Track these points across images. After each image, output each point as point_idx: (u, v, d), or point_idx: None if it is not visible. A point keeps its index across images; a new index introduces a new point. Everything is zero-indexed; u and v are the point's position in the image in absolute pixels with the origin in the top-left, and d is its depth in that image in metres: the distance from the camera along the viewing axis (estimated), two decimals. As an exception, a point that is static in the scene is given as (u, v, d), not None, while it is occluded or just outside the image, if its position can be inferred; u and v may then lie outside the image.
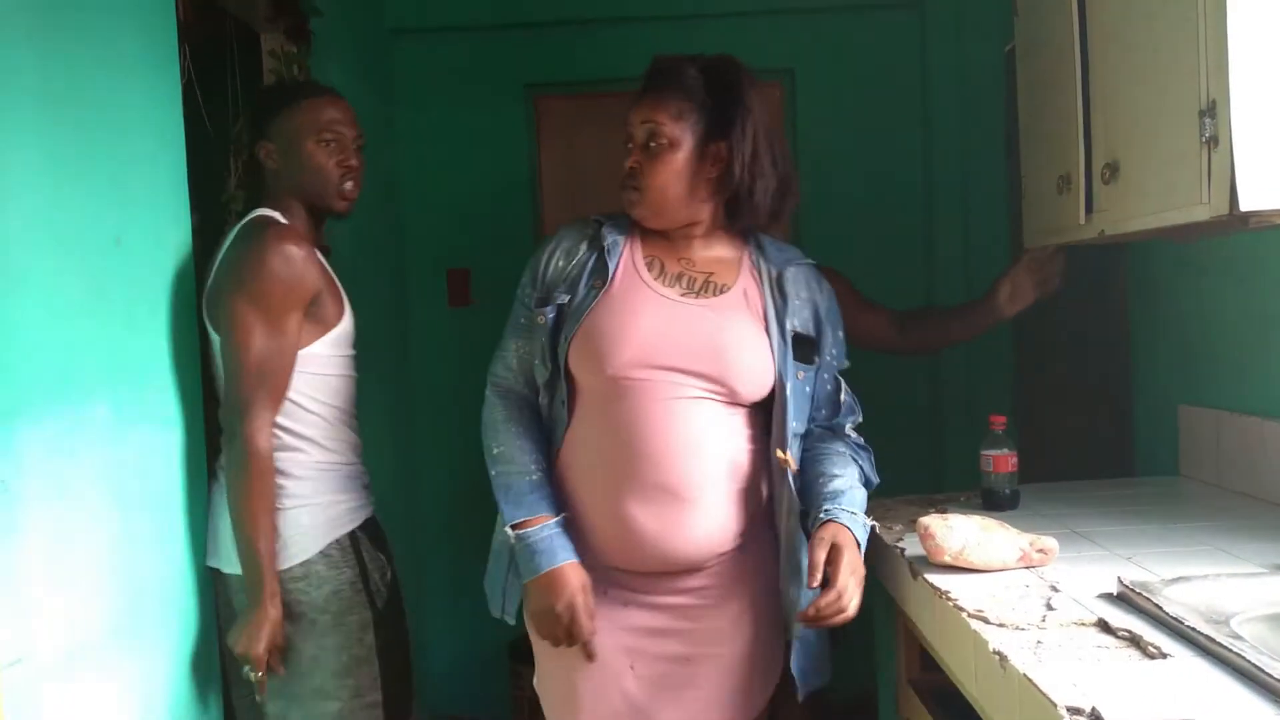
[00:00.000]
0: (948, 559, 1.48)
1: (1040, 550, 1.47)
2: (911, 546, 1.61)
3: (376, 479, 2.87)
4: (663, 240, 1.65)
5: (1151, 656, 1.12)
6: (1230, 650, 1.08)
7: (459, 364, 3.25)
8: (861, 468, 1.66)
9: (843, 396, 1.70)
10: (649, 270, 1.61)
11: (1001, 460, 1.84)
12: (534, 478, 1.60)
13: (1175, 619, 1.18)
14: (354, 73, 2.74)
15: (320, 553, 1.67)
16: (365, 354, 2.69)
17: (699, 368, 1.55)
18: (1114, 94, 1.70)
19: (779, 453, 1.58)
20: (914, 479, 2.85)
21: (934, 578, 1.46)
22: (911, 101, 3.17)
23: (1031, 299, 2.10)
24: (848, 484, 1.58)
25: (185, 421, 1.60)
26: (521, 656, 3.02)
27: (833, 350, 1.68)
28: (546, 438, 1.65)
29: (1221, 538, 1.59)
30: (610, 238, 1.63)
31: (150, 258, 1.53)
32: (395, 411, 3.02)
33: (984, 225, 3.04)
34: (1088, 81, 1.79)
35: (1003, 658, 1.15)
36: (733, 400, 1.58)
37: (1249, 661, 1.04)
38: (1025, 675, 1.09)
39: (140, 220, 1.50)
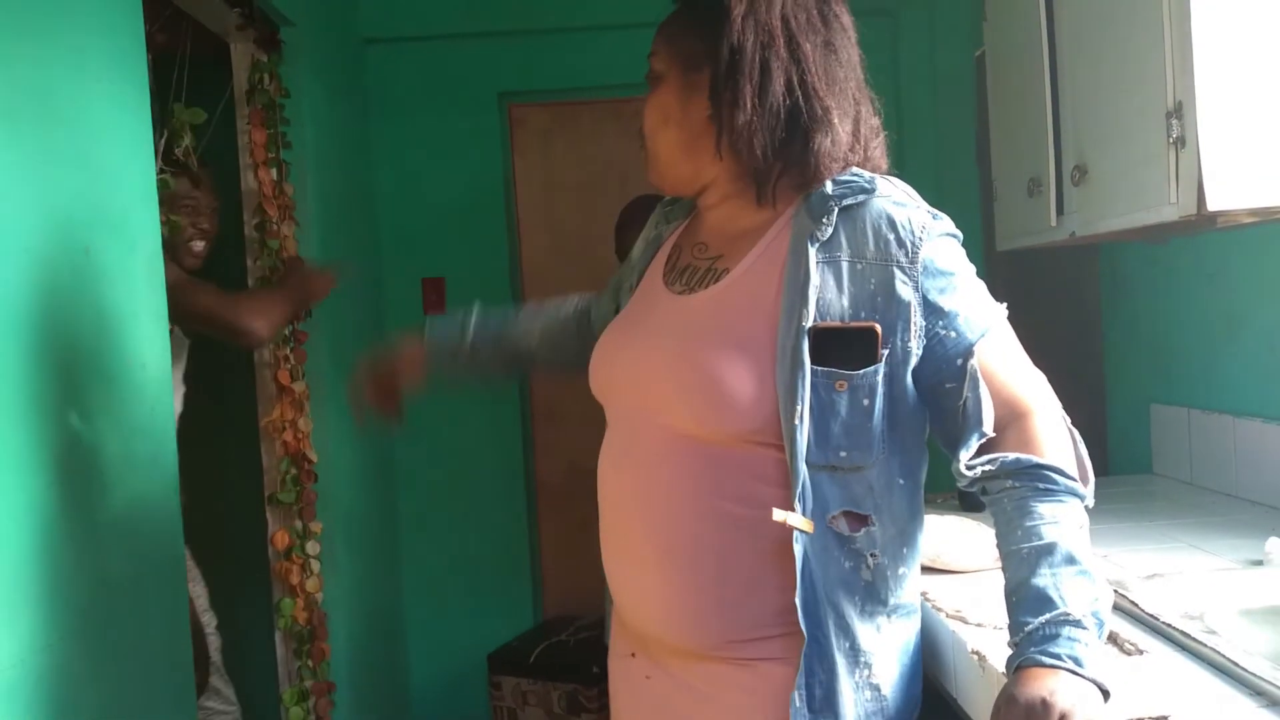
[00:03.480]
0: (925, 560, 1.48)
1: (1017, 550, 1.47)
2: (890, 548, 1.62)
3: (353, 490, 2.86)
4: (702, 220, 1.23)
5: (1129, 653, 1.13)
6: (1206, 646, 1.09)
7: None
8: (1058, 505, 1.03)
9: (966, 401, 1.06)
10: (667, 262, 1.23)
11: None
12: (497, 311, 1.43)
13: (1151, 615, 1.19)
14: (327, 82, 2.72)
15: None
16: (340, 362, 2.68)
17: (649, 393, 1.13)
18: (1082, 97, 1.72)
19: (777, 513, 1.04)
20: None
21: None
22: (884, 105, 3.18)
23: None
24: (1045, 569, 0.99)
25: (157, 430, 1.59)
26: (500, 667, 3.01)
27: (927, 330, 1.07)
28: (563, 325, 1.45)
29: (1195, 534, 1.61)
30: (658, 228, 1.29)
31: (120, 267, 1.51)
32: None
33: (957, 228, 3.06)
34: (1056, 85, 1.81)
35: (981, 657, 1.15)
36: (715, 438, 1.09)
37: (1225, 656, 1.05)
38: (1004, 675, 1.09)
39: (110, 230, 1.49)
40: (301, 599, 2.33)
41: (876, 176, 1.12)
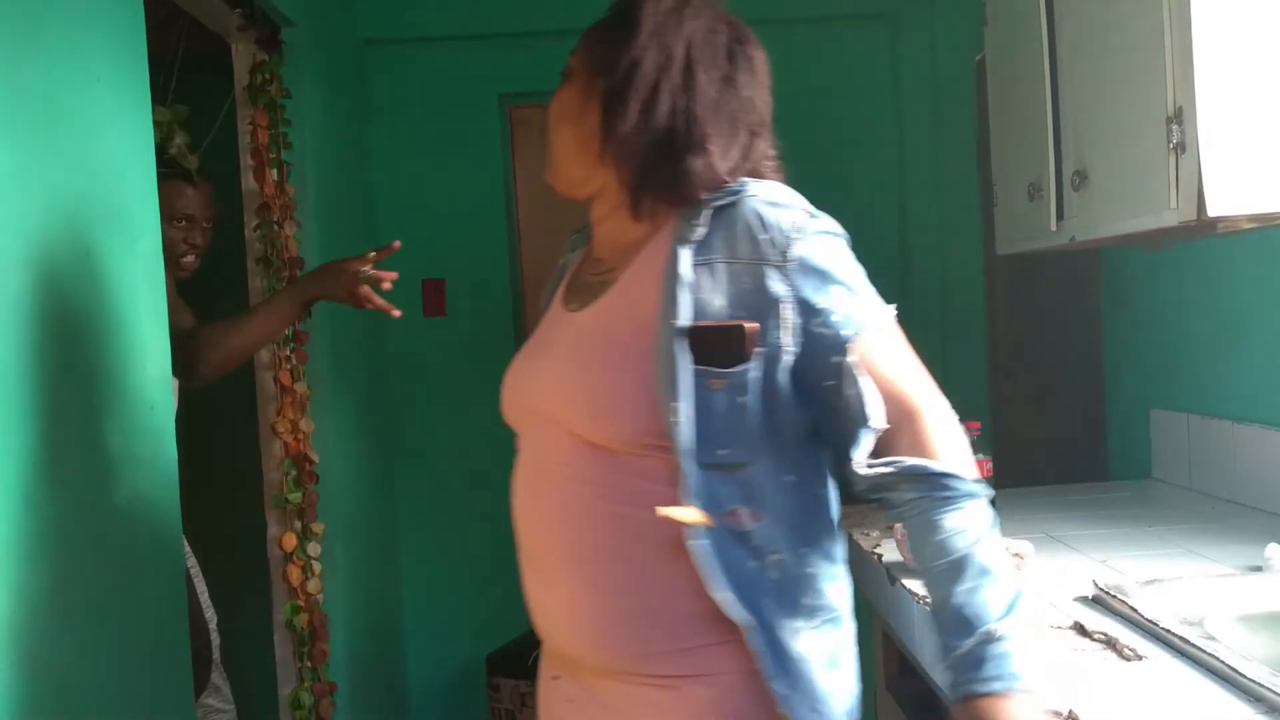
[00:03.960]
0: (925, 564, 1.48)
1: (1015, 554, 1.48)
2: (888, 552, 1.62)
3: (353, 491, 2.86)
4: (596, 236, 1.26)
5: (1127, 659, 1.13)
6: (1205, 651, 1.09)
7: (433, 374, 3.24)
8: (961, 513, 1.04)
9: (849, 398, 1.06)
10: (570, 284, 1.26)
11: (977, 465, 1.85)
12: None
13: (1150, 621, 1.19)
14: (327, 82, 2.72)
15: None
16: (340, 364, 2.68)
17: (549, 407, 1.15)
18: (1083, 102, 1.72)
19: (660, 510, 1.05)
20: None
21: (911, 583, 1.46)
22: (884, 110, 3.19)
23: None
24: (960, 586, 1.01)
25: (157, 430, 1.59)
26: (499, 669, 3.01)
27: (803, 328, 1.07)
28: None
29: (1194, 540, 1.61)
30: (566, 255, 1.33)
31: (120, 267, 1.51)
32: (371, 422, 3.00)
33: (957, 233, 3.07)
34: (1057, 90, 1.81)
35: (981, 662, 1.15)
36: (610, 444, 1.10)
37: (1223, 663, 1.05)
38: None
39: (110, 231, 1.49)
40: (302, 600, 2.33)
41: (750, 180, 1.13)
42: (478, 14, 3.14)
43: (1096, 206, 1.67)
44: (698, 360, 1.06)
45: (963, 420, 1.90)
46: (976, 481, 1.05)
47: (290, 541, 2.31)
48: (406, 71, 3.18)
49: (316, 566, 2.37)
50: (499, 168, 3.24)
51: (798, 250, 1.07)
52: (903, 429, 1.07)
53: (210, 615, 2.32)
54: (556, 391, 1.14)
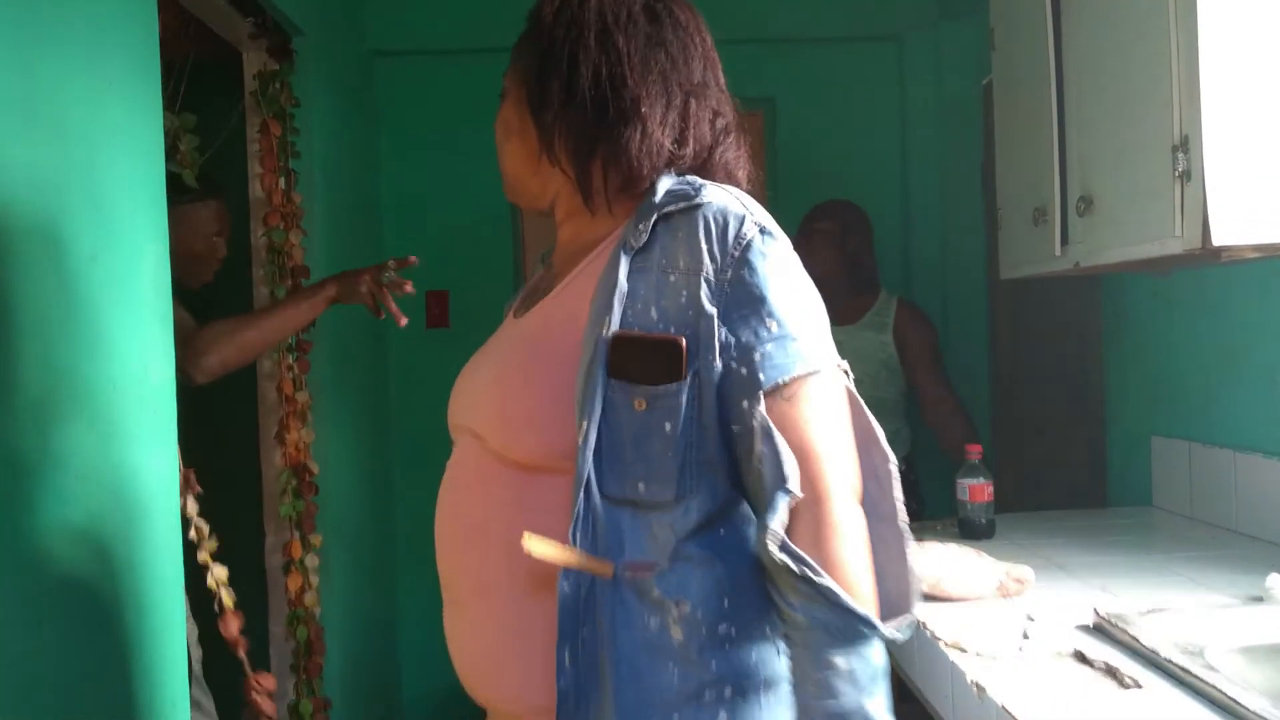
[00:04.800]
0: (924, 588, 1.48)
1: (1016, 580, 1.47)
2: (888, 575, 1.61)
3: (351, 500, 2.86)
4: (559, 242, 1.18)
5: (1127, 687, 1.12)
6: (1205, 682, 1.08)
7: (435, 386, 3.23)
8: (855, 656, 0.89)
9: (761, 457, 0.92)
10: (528, 292, 1.19)
11: (978, 490, 1.85)
12: None
13: (1151, 650, 1.18)
14: (336, 92, 2.73)
15: None
16: (341, 375, 2.68)
17: (469, 419, 1.07)
18: (1089, 128, 1.72)
19: (526, 540, 0.93)
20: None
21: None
22: (890, 132, 3.20)
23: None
24: None
25: (161, 438, 1.58)
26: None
27: (723, 355, 0.94)
28: None
29: (1195, 568, 1.60)
30: (539, 267, 1.25)
31: (127, 273, 1.51)
32: (371, 433, 2.99)
33: (961, 256, 3.07)
34: (1063, 115, 1.82)
35: (980, 688, 1.15)
36: (525, 460, 1.00)
37: (1224, 693, 1.05)
38: (1003, 706, 1.09)
39: (117, 235, 1.49)
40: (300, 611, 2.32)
41: (710, 185, 1.01)
42: (484, 27, 3.14)
43: (1101, 233, 1.68)
44: (622, 375, 0.94)
45: (965, 445, 1.91)
46: (873, 624, 0.89)
47: (298, 552, 2.30)
48: (413, 83, 3.19)
49: (314, 578, 2.36)
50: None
51: (739, 269, 0.95)
52: (803, 514, 0.91)
53: (191, 628, 2.30)
54: (475, 403, 1.06)
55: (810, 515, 0.91)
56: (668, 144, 1.03)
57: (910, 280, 3.13)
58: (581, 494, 0.93)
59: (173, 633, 1.63)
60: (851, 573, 0.90)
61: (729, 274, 0.95)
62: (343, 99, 2.81)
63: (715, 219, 0.97)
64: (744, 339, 0.93)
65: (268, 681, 1.91)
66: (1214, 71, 1.36)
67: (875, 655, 0.90)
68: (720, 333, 0.94)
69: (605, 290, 0.98)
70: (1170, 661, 1.14)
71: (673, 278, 0.96)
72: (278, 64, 2.33)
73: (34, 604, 1.24)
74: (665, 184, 1.01)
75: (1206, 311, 1.97)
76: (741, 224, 0.97)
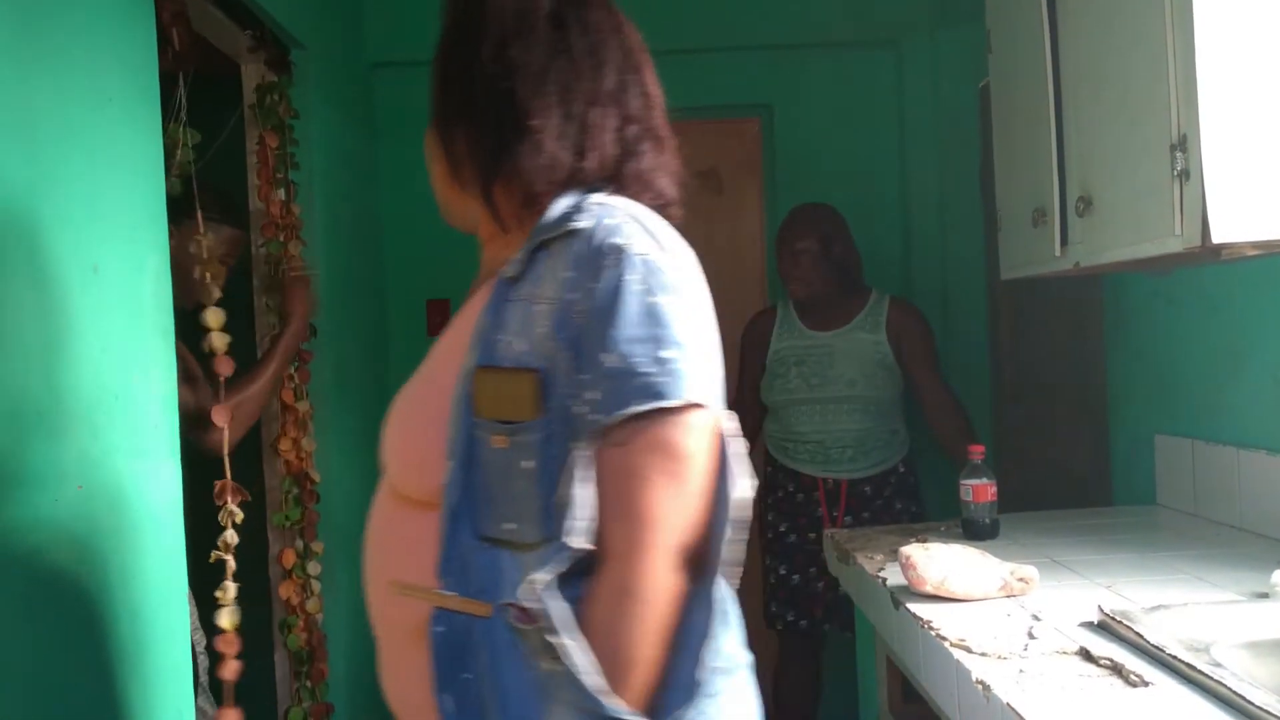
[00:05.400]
0: (929, 589, 1.47)
1: (1021, 579, 1.47)
2: (893, 576, 1.61)
3: (354, 511, 2.85)
4: (481, 265, 1.17)
5: (1133, 685, 1.12)
6: (1211, 678, 1.08)
7: (438, 395, 3.24)
8: None
9: (561, 491, 0.87)
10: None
11: (981, 490, 1.85)
12: None
13: (1157, 647, 1.18)
14: (335, 104, 2.74)
15: None
16: (342, 384, 2.68)
17: (382, 453, 1.05)
18: (1087, 128, 1.73)
19: (395, 583, 0.95)
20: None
21: (916, 607, 1.46)
22: (888, 137, 3.21)
23: None
24: None
25: (163, 449, 1.59)
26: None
27: (582, 380, 0.89)
28: None
29: (1200, 566, 1.60)
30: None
31: (128, 285, 1.52)
32: (371, 442, 2.99)
33: (961, 258, 3.08)
34: (1061, 116, 1.82)
35: (986, 687, 1.15)
36: (418, 497, 0.98)
37: (1230, 689, 1.05)
38: (1009, 704, 1.08)
39: (118, 248, 1.49)
40: (302, 619, 2.32)
41: (607, 204, 0.96)
42: (485, 38, 3.16)
43: (1101, 233, 1.68)
44: (483, 412, 0.90)
45: (969, 444, 1.91)
46: (603, 712, 0.83)
47: (289, 558, 2.30)
48: (413, 94, 3.16)
49: (316, 586, 2.37)
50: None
51: (592, 297, 0.89)
52: (604, 571, 0.86)
53: (199, 637, 2.30)
54: (384, 435, 1.03)
55: (607, 573, 0.86)
56: (567, 158, 0.98)
57: (911, 283, 3.14)
58: (447, 534, 0.90)
59: (175, 642, 1.63)
60: (620, 646, 0.84)
61: (585, 305, 0.89)
62: (342, 111, 2.82)
63: (584, 246, 0.92)
64: (584, 375, 0.88)
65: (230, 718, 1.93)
66: (1211, 70, 1.36)
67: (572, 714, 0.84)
68: (572, 366, 0.89)
69: (482, 322, 0.95)
70: (1176, 658, 1.14)
71: (539, 308, 0.92)
72: (276, 76, 2.34)
73: (36, 615, 1.25)
74: (559, 205, 0.96)
75: (1208, 309, 1.97)
76: (607, 252, 0.90)
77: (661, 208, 1.03)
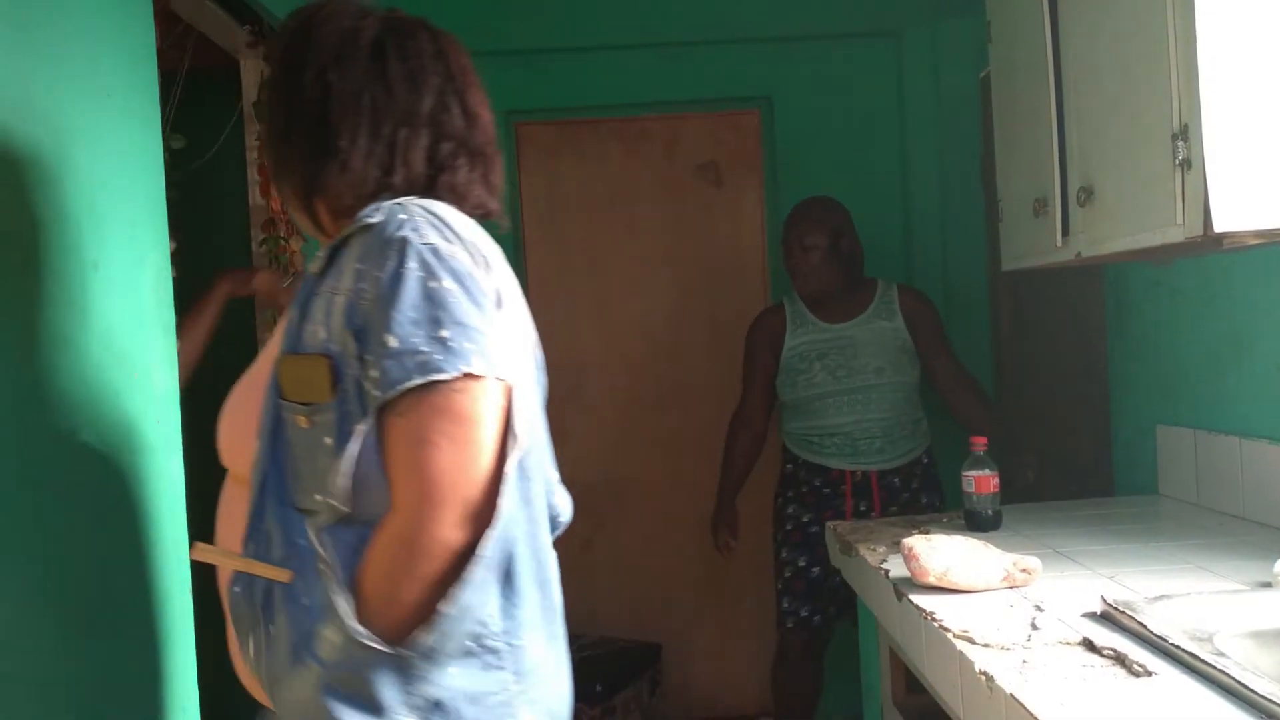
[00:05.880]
0: (932, 580, 1.48)
1: (1024, 570, 1.47)
2: (895, 568, 1.61)
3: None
4: None
5: (1137, 675, 1.12)
6: (1215, 667, 1.08)
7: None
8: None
9: (338, 477, 0.98)
10: None
11: (983, 481, 1.85)
12: None
13: (1160, 637, 1.18)
14: (334, 99, 2.74)
15: None
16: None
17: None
18: (1088, 118, 1.72)
19: (194, 549, 1.08)
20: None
21: (919, 599, 1.46)
22: (889, 128, 3.20)
23: None
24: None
25: (165, 445, 1.59)
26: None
27: (366, 360, 0.98)
28: None
29: (1202, 555, 1.60)
30: None
31: (129, 281, 1.52)
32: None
33: (962, 249, 3.08)
34: (1062, 106, 1.81)
35: (989, 678, 1.15)
36: (242, 480, 1.10)
37: (1233, 678, 1.05)
38: (1012, 695, 1.08)
39: (118, 245, 1.49)
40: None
41: (404, 206, 1.03)
42: (483, 31, 3.16)
43: (1102, 223, 1.68)
44: (288, 394, 1.01)
45: (969, 436, 1.91)
46: (346, 630, 0.95)
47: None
48: (413, 88, 3.19)
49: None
50: (505, 184, 3.24)
51: (376, 285, 0.98)
52: (384, 524, 0.97)
53: None
54: (218, 425, 1.16)
55: (389, 523, 0.96)
56: (374, 174, 1.08)
57: (912, 274, 3.13)
58: (254, 505, 1.02)
59: (182, 639, 1.63)
60: (384, 584, 0.96)
61: (372, 292, 0.98)
62: (341, 105, 2.82)
63: (374, 239, 1.00)
64: (369, 355, 0.97)
65: None
66: (1212, 59, 1.36)
67: (336, 635, 0.96)
68: (360, 349, 0.98)
69: (289, 314, 1.06)
70: (1179, 648, 1.14)
71: (337, 298, 1.01)
72: (276, 71, 2.33)
73: (41, 611, 1.25)
74: (365, 211, 1.04)
75: (1209, 299, 1.96)
76: (393, 243, 0.99)
77: (483, 217, 1.15)
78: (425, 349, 0.95)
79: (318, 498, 0.99)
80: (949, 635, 1.29)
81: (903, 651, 1.58)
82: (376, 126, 1.09)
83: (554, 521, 1.16)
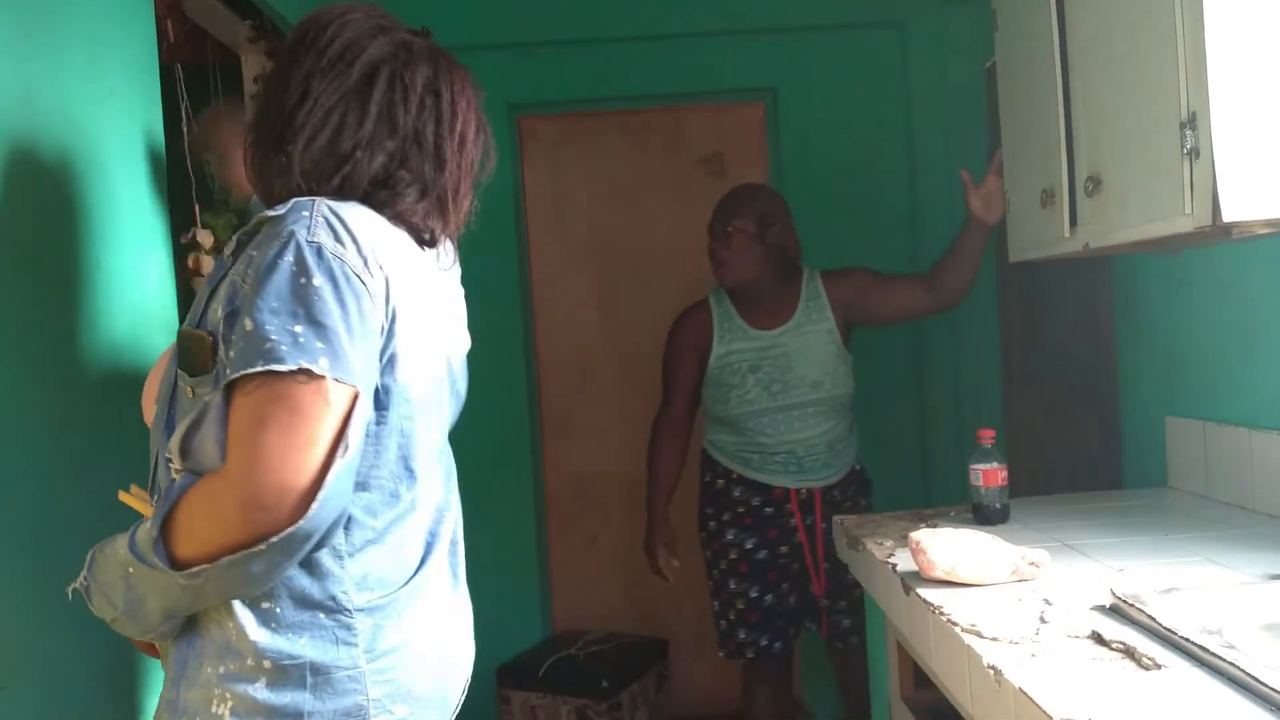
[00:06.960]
0: (940, 574, 1.47)
1: (1032, 563, 1.46)
2: (903, 562, 1.61)
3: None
4: None
5: (1146, 668, 1.11)
6: (1226, 660, 1.07)
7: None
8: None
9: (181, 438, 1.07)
10: None
11: (991, 474, 1.84)
12: None
13: (1169, 630, 1.17)
14: (337, 94, 2.73)
15: None
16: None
17: None
18: (1095, 107, 1.71)
19: (123, 494, 1.19)
20: (904, 494, 2.85)
21: (926, 593, 1.45)
22: (894, 118, 3.19)
23: (1001, 209, 2.25)
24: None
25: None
26: (509, 681, 3.00)
27: (231, 340, 1.04)
28: None
29: (1211, 548, 1.59)
30: None
31: (132, 278, 1.52)
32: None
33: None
34: (1068, 95, 1.80)
35: (998, 672, 1.14)
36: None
37: (1245, 671, 1.04)
38: (1021, 689, 1.08)
39: (121, 242, 1.49)
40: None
41: (312, 203, 1.08)
42: (486, 24, 3.15)
43: (1110, 213, 1.66)
44: (181, 366, 1.09)
45: (977, 428, 1.90)
46: (162, 561, 1.03)
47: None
48: (416, 83, 3.19)
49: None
50: (508, 178, 3.24)
51: (255, 271, 1.04)
52: (205, 477, 1.04)
53: None
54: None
55: (213, 475, 1.03)
56: (311, 185, 1.12)
57: (918, 265, 3.12)
58: (152, 462, 1.13)
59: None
60: (175, 520, 1.03)
61: (251, 277, 1.04)
62: (344, 100, 2.81)
63: (271, 229, 1.06)
64: (233, 335, 1.03)
65: None
66: (1220, 47, 1.35)
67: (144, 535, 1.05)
68: (226, 330, 1.05)
69: (200, 292, 1.13)
70: (1189, 641, 1.13)
71: (237, 280, 1.07)
72: (277, 66, 2.33)
73: (48, 606, 1.25)
74: (281, 204, 1.10)
75: (1218, 289, 1.95)
76: (282, 235, 1.04)
77: (418, 240, 1.21)
78: (274, 338, 1.00)
79: (206, 461, 1.04)
80: (957, 629, 1.29)
81: (910, 646, 1.57)
82: (335, 144, 1.13)
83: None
